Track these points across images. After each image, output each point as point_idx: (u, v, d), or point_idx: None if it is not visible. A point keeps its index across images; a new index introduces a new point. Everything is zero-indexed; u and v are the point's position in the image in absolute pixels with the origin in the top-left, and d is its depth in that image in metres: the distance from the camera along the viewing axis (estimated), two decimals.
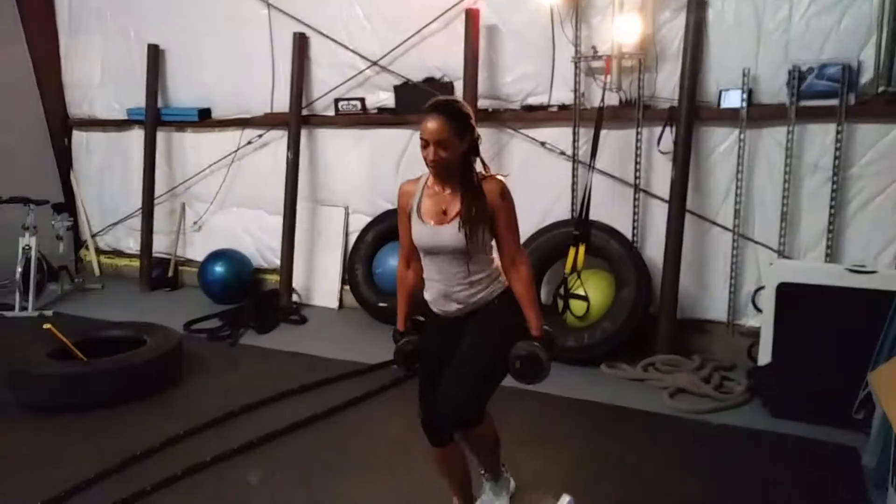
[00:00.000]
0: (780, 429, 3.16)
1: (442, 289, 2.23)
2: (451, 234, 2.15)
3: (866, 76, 3.58)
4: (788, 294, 3.40)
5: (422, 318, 2.37)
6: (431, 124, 2.09)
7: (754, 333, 3.77)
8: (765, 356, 3.47)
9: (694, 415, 3.33)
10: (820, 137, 3.72)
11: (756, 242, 3.96)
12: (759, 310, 3.81)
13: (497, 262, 2.27)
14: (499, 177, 2.22)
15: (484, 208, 2.14)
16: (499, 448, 2.41)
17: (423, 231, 2.21)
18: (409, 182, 2.30)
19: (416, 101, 4.54)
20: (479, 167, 2.23)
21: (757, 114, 3.82)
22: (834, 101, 3.59)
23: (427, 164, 2.14)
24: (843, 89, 3.56)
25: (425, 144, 2.11)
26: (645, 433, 3.18)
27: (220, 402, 3.40)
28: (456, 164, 2.14)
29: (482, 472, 2.46)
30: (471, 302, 2.23)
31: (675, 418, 3.31)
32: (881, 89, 3.53)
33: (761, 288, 3.75)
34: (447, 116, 2.10)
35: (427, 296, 2.30)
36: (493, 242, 2.25)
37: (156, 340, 3.75)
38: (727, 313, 4.06)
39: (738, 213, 3.94)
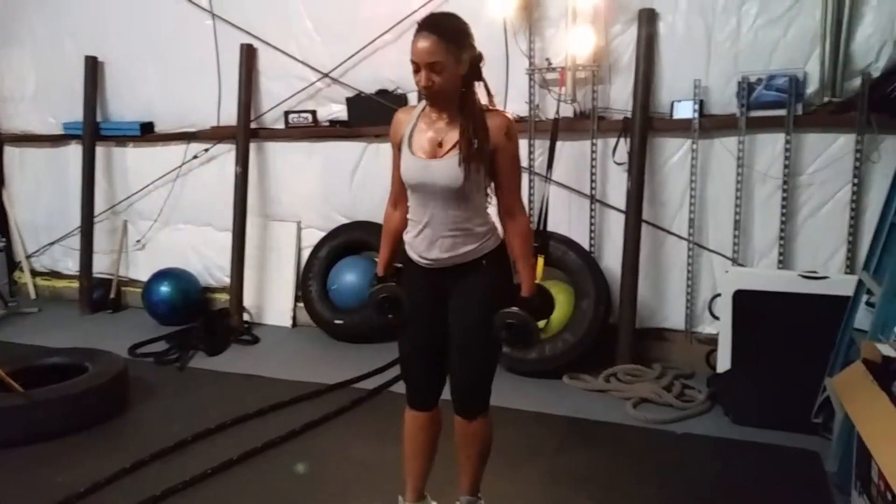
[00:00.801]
0: (743, 436, 3.18)
1: (427, 233, 2.03)
2: (445, 169, 1.94)
3: (812, 87, 3.67)
4: (744, 301, 3.45)
5: (403, 267, 2.18)
6: (422, 44, 1.87)
7: (712, 341, 3.82)
8: (723, 363, 3.51)
9: (658, 425, 3.32)
10: (770, 147, 3.80)
11: (711, 251, 4.01)
12: (715, 317, 3.85)
13: (492, 215, 2.08)
14: (506, 112, 2.02)
15: (485, 144, 1.92)
16: (488, 456, 2.31)
17: (412, 164, 1.99)
18: (405, 110, 2.10)
19: (370, 113, 4.52)
20: (483, 98, 2.01)
21: (709, 124, 3.87)
22: (782, 112, 3.67)
23: (420, 90, 1.94)
24: (791, 100, 3.64)
25: (416, 68, 1.89)
26: (611, 445, 3.15)
27: (169, 431, 3.22)
28: (454, 89, 1.92)
29: (459, 499, 2.37)
30: (456, 253, 2.04)
31: (639, 429, 3.30)
32: (826, 99, 3.62)
33: (717, 296, 3.80)
34: (440, 35, 1.87)
35: (407, 238, 2.11)
36: (491, 191, 2.05)
37: (98, 367, 3.54)
38: (685, 321, 4.09)
39: (693, 223, 3.99)
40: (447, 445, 2.32)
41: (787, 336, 3.32)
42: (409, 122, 2.05)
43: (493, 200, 2.10)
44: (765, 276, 3.64)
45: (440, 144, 1.98)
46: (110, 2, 5.29)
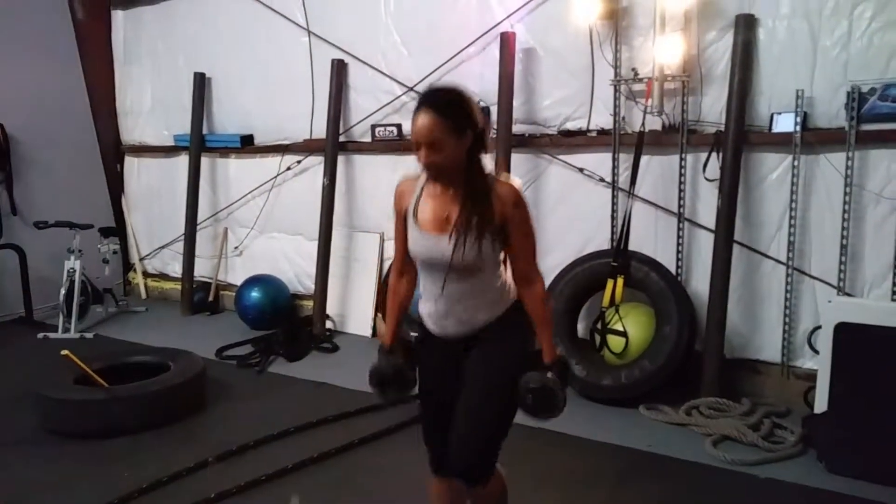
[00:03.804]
0: (837, 487, 2.84)
1: (440, 307, 1.97)
2: (451, 244, 1.88)
3: None
4: (848, 335, 3.09)
5: (412, 340, 2.13)
6: (420, 122, 1.82)
7: (813, 377, 3.44)
8: (821, 403, 3.16)
9: (739, 466, 3.03)
10: (884, 164, 3.41)
11: (813, 277, 3.64)
12: (815, 351, 3.49)
13: (506, 277, 2.01)
14: (514, 181, 1.94)
15: (491, 217, 1.87)
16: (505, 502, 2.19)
17: (420, 240, 1.94)
18: (408, 180, 2.03)
19: None
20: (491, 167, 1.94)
21: (812, 139, 3.52)
22: None
23: (421, 167, 1.89)
24: None
25: (416, 146, 1.85)
26: (681, 485, 2.90)
27: (238, 433, 3.31)
28: (457, 164, 1.86)
29: None
30: (473, 323, 1.97)
31: (717, 469, 3.02)
32: None
33: (818, 327, 3.43)
34: (438, 112, 1.81)
35: (422, 310, 2.05)
36: (503, 256, 1.97)
37: (179, 367, 3.71)
38: (781, 354, 3.73)
39: (793, 246, 3.63)
40: None
41: None
42: (413, 193, 1.99)
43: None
44: (874, 308, 3.24)
45: (447, 219, 1.91)
46: (219, 21, 5.63)
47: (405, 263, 2.08)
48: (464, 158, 1.88)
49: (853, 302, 3.36)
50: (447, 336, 2.03)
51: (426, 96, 1.88)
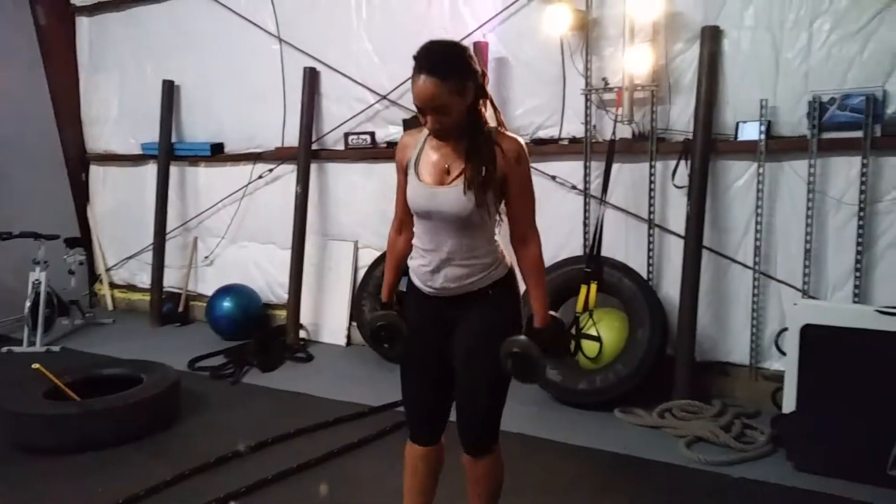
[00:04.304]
0: (805, 484, 2.93)
1: (433, 261, 1.96)
2: (451, 197, 1.87)
3: (893, 106, 3.39)
4: (813, 337, 3.18)
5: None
6: (423, 87, 1.80)
7: (780, 378, 3.54)
8: (789, 403, 3.25)
9: (712, 466, 3.10)
10: (844, 171, 3.53)
11: (779, 281, 3.75)
12: (782, 353, 3.59)
13: (500, 245, 2.00)
14: (516, 136, 1.93)
15: (493, 170, 1.84)
16: (499, 495, 2.20)
17: (418, 191, 1.93)
18: (411, 133, 2.03)
19: None
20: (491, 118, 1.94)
21: (776, 146, 3.64)
22: (858, 133, 3.41)
23: (429, 131, 1.89)
24: (868, 120, 3.38)
25: (421, 111, 1.85)
26: (657, 486, 2.97)
27: (213, 446, 3.27)
28: (463, 121, 1.86)
29: None
30: (462, 283, 1.96)
31: (691, 470, 3.09)
32: None
33: (784, 330, 3.54)
34: (440, 75, 1.78)
35: (412, 264, 2.05)
36: (500, 218, 1.97)
37: (152, 379, 3.65)
38: (750, 356, 3.84)
39: (759, 250, 3.75)
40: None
41: (861, 377, 3.03)
42: (416, 146, 1.99)
43: (501, 227, 2.03)
44: (837, 310, 3.35)
45: (447, 171, 1.91)
46: (188, 28, 5.58)
47: (404, 219, 2.09)
48: (465, 113, 1.86)
49: (818, 304, 3.47)
50: (433, 293, 2.01)
51: (423, 59, 1.84)
